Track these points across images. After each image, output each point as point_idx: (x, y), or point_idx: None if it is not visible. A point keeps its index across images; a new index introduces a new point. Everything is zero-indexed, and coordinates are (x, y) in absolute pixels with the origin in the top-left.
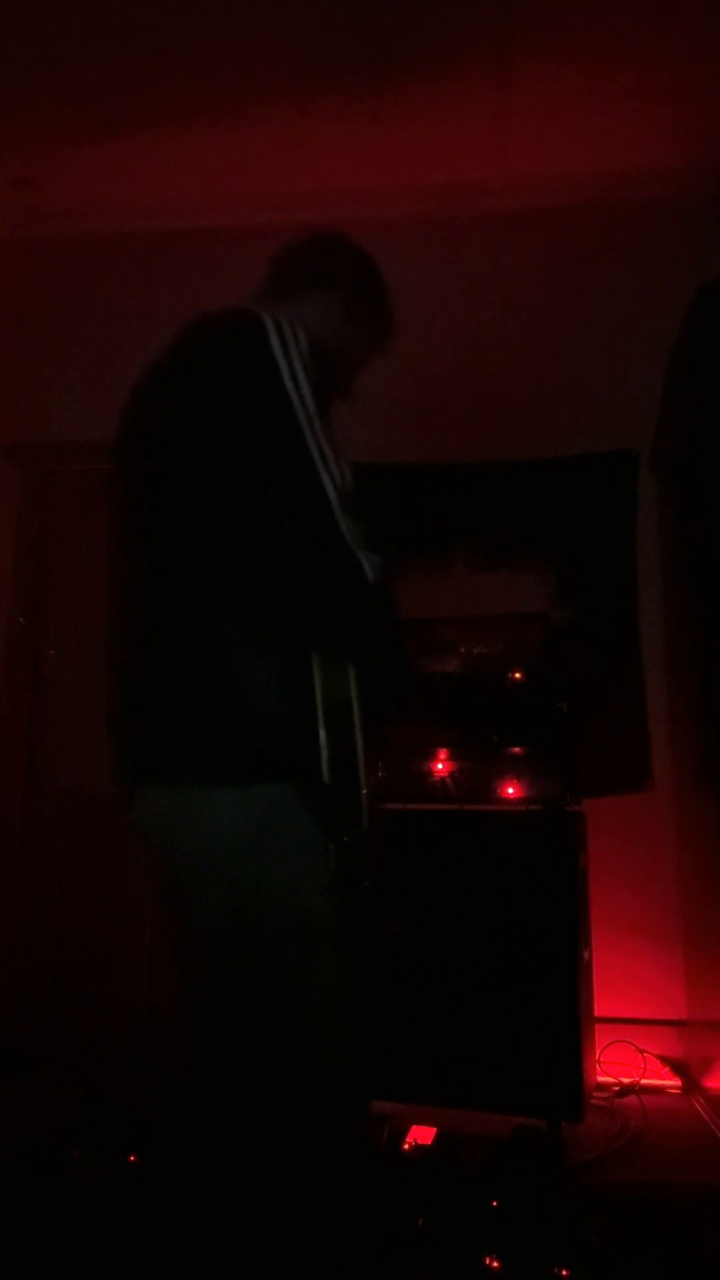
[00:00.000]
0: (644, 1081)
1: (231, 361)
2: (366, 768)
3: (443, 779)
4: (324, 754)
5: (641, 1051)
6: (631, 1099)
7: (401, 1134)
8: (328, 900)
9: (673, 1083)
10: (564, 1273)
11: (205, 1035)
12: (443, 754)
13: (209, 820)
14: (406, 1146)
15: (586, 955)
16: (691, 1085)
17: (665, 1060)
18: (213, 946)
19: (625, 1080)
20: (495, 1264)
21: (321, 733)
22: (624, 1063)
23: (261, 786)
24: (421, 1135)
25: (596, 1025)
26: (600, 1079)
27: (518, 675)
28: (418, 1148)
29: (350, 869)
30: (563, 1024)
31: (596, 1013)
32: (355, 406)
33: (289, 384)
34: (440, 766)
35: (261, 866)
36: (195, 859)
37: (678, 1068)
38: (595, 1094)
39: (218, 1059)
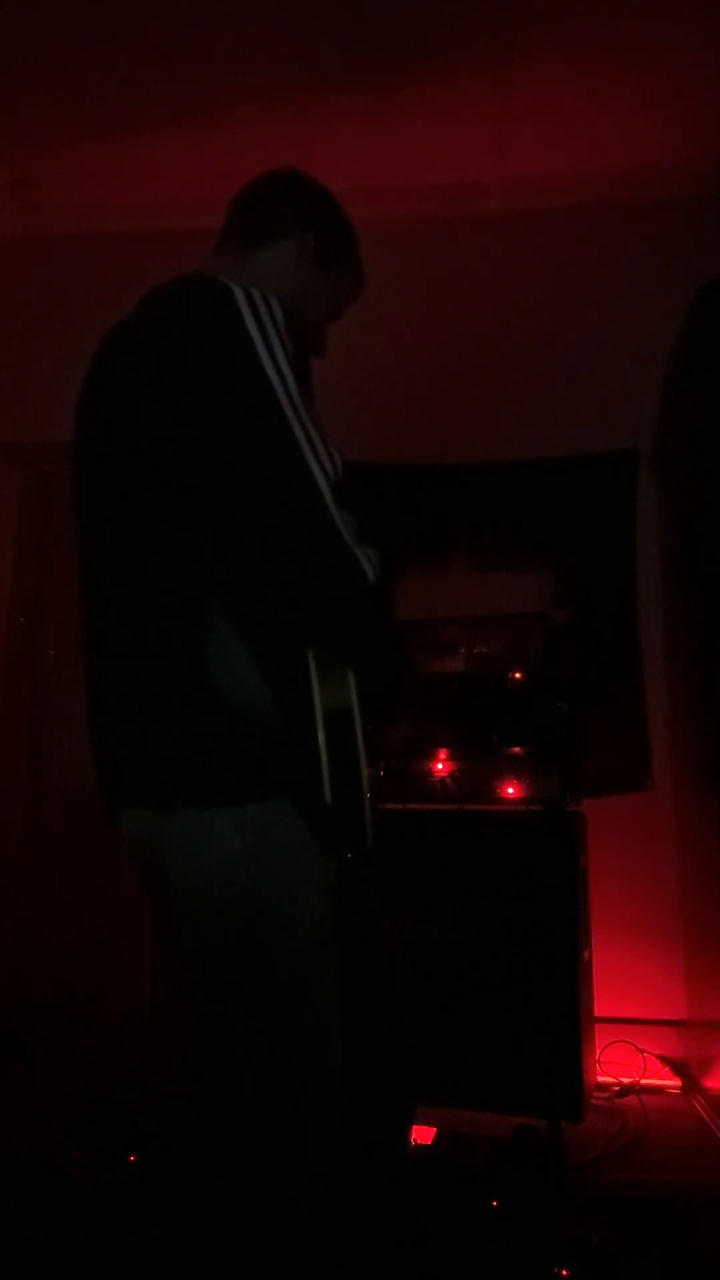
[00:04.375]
0: (644, 1081)
1: (199, 341)
2: (370, 778)
3: (443, 779)
4: (325, 766)
5: (641, 1051)
6: (631, 1099)
7: None
8: (328, 917)
9: (673, 1083)
10: (564, 1273)
11: (205, 1047)
12: (443, 754)
13: (201, 843)
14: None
15: (586, 955)
16: (691, 1085)
17: (665, 1060)
18: (210, 969)
19: (625, 1080)
20: (495, 1264)
21: (322, 743)
22: (624, 1063)
23: (257, 804)
24: (421, 1135)
25: (596, 1025)
26: (600, 1079)
27: (518, 675)
28: (418, 1148)
29: (353, 883)
30: (563, 1024)
31: (596, 1013)
32: (353, 404)
33: (267, 364)
34: (440, 766)
35: (260, 890)
36: (188, 884)
37: (678, 1068)
38: (595, 1094)
39: (218, 1070)
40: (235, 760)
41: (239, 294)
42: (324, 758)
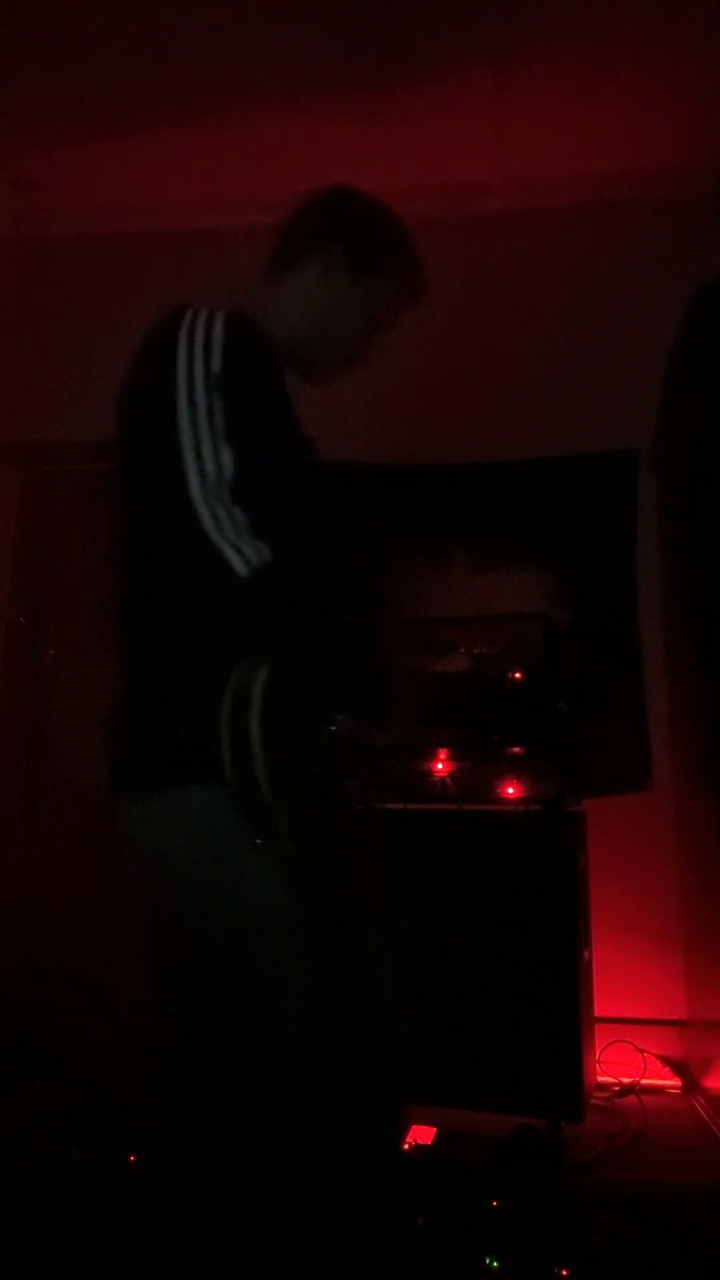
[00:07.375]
0: (644, 1081)
1: (146, 359)
2: (297, 768)
3: (443, 779)
4: (225, 746)
5: (641, 1051)
6: (631, 1099)
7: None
8: (283, 897)
9: (673, 1083)
10: (564, 1272)
11: (174, 1020)
12: (443, 754)
13: (155, 826)
14: (406, 1146)
15: (586, 955)
16: (691, 1085)
17: (665, 1060)
18: (169, 945)
19: (625, 1080)
20: (495, 1264)
21: (224, 722)
22: (624, 1063)
23: (198, 788)
24: (421, 1135)
25: (596, 1025)
26: (600, 1079)
27: (518, 675)
28: (418, 1148)
29: (316, 875)
30: (563, 1024)
31: (596, 1013)
32: (352, 404)
33: (181, 372)
34: (440, 766)
35: (205, 870)
36: (147, 864)
37: (678, 1068)
38: (595, 1094)
39: (183, 1060)
40: (177, 746)
41: (187, 313)
42: (224, 737)
